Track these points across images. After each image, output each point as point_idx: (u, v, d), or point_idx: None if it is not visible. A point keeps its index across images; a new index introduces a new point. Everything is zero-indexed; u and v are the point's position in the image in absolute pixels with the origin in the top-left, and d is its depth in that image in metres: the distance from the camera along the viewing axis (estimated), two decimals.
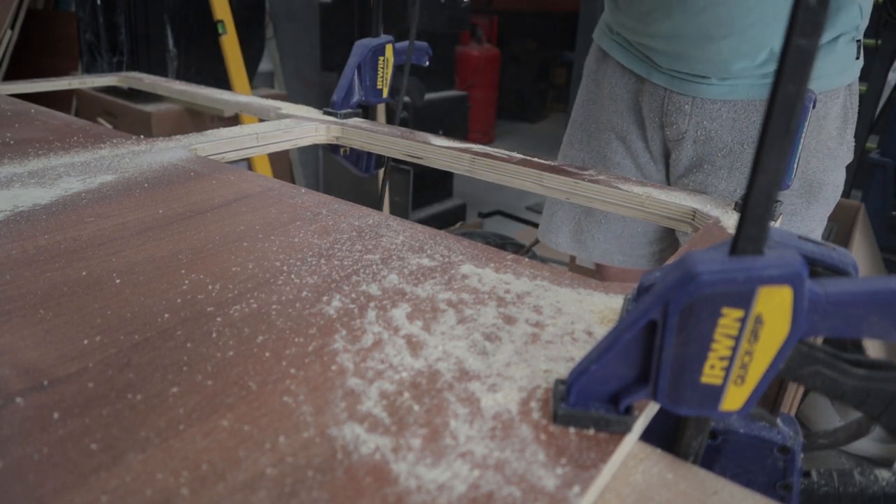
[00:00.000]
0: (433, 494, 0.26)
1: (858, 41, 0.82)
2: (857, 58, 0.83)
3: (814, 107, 0.69)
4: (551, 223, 1.04)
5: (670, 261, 0.42)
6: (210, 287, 0.41)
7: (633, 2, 0.84)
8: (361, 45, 0.86)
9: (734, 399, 0.27)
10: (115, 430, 0.28)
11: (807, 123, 0.63)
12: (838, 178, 0.86)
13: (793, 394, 1.27)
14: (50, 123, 0.79)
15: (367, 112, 0.92)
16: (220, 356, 0.34)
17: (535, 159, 0.73)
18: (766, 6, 0.74)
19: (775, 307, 0.25)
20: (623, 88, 0.92)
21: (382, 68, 0.88)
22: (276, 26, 2.70)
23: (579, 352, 0.36)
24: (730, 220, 0.58)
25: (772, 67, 0.79)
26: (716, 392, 0.27)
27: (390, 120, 2.53)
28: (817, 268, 0.31)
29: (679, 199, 0.63)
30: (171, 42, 2.12)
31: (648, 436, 0.32)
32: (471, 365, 0.34)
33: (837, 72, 0.81)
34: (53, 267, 0.42)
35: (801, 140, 0.64)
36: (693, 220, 0.61)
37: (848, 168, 0.88)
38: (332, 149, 0.87)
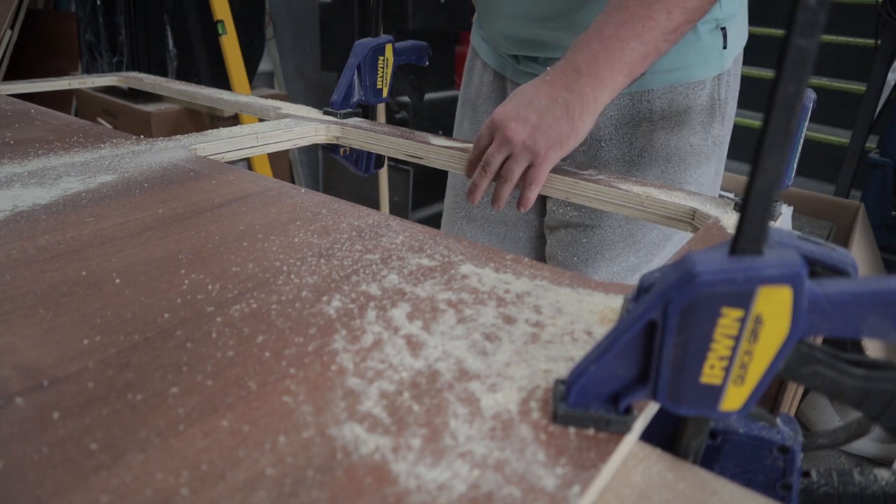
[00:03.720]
0: (433, 494, 0.26)
1: (723, 28, 0.76)
2: (726, 47, 0.77)
3: (813, 106, 0.69)
4: None
5: (670, 261, 0.42)
6: (210, 287, 0.41)
7: None
8: (361, 45, 0.86)
9: (734, 399, 0.27)
10: (115, 430, 0.28)
11: (802, 122, 0.63)
12: (702, 176, 0.81)
13: (793, 394, 1.27)
14: (50, 123, 0.79)
15: (366, 112, 0.92)
16: (220, 356, 0.34)
17: None
18: None
19: (775, 307, 0.25)
20: (489, 86, 0.92)
21: (382, 68, 0.88)
22: (276, 26, 2.70)
23: (579, 352, 0.36)
24: (729, 220, 0.58)
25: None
26: (715, 392, 0.27)
27: (391, 120, 2.54)
28: (817, 268, 0.31)
29: (678, 199, 0.63)
30: (171, 42, 2.12)
31: (648, 436, 0.32)
32: (471, 365, 0.34)
33: (700, 63, 0.76)
34: (53, 267, 0.42)
35: (801, 140, 0.64)
36: (692, 219, 0.62)
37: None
38: (332, 149, 0.87)
